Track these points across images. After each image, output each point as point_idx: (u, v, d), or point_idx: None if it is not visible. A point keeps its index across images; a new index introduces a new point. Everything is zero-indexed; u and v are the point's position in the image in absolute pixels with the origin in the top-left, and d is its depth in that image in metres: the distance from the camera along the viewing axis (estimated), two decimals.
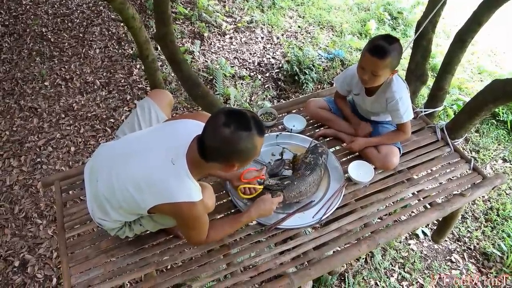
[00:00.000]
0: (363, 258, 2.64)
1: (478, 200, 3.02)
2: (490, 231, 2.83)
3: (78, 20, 4.58)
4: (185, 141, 1.37)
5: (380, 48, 1.74)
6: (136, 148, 1.43)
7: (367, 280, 2.54)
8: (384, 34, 1.82)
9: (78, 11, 4.72)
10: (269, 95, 3.79)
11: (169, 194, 1.32)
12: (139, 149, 1.42)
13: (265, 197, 1.67)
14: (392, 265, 2.63)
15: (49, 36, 4.32)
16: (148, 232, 1.71)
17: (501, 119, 3.62)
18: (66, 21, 4.55)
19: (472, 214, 2.95)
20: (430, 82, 3.04)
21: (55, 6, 4.79)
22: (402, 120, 1.93)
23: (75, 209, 1.83)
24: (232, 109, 1.33)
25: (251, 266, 1.66)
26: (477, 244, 2.76)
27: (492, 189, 2.08)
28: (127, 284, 2.29)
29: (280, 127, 2.25)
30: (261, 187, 1.77)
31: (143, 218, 1.54)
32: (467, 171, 2.10)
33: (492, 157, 3.31)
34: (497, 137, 3.51)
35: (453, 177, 2.10)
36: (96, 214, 1.51)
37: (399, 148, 2.02)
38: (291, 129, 2.18)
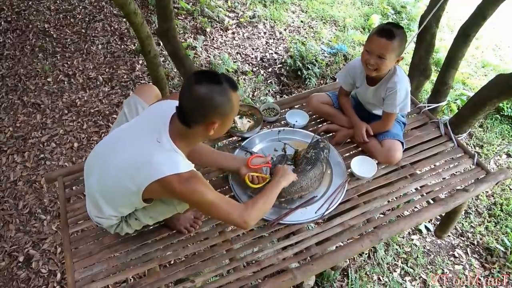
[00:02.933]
0: (366, 253, 2.65)
1: (481, 195, 3.01)
2: (494, 227, 2.82)
3: (80, 16, 4.58)
4: (164, 118, 1.40)
5: (388, 30, 1.77)
6: (122, 138, 1.46)
7: (370, 275, 2.55)
8: (389, 22, 1.85)
9: (80, 7, 4.71)
10: (272, 90, 3.78)
11: (155, 170, 1.31)
12: (125, 138, 1.45)
13: (280, 166, 1.70)
14: (395, 260, 2.63)
15: (51, 32, 4.32)
16: (150, 227, 1.72)
17: (505, 114, 3.60)
18: (68, 17, 4.55)
19: (476, 209, 2.94)
20: (434, 76, 3.03)
21: (58, 1, 4.78)
22: (395, 110, 1.93)
23: (78, 205, 1.84)
24: (202, 69, 1.36)
25: (254, 261, 1.67)
26: (480, 239, 2.76)
27: (496, 184, 2.07)
28: (130, 279, 2.30)
29: (282, 122, 2.25)
30: (268, 176, 1.77)
31: (137, 212, 1.54)
32: (470, 166, 2.09)
33: (496, 152, 3.30)
34: (501, 132, 3.49)
35: (456, 172, 2.09)
36: (92, 212, 1.53)
37: (402, 143, 2.01)
38: (294, 124, 2.18)
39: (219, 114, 1.34)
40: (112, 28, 4.42)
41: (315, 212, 1.78)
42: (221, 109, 1.33)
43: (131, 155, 1.37)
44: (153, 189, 1.34)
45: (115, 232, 1.60)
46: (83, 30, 4.36)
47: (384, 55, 1.80)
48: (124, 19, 4.41)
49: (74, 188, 1.98)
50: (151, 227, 1.73)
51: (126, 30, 4.36)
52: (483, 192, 2.99)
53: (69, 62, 3.96)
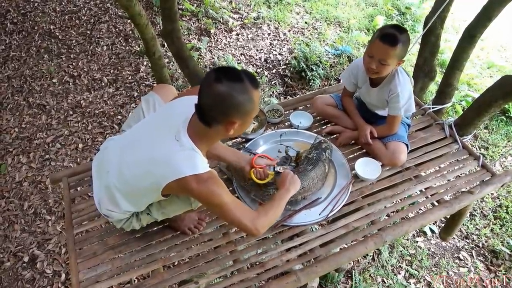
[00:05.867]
0: (370, 255, 2.64)
1: (486, 198, 2.99)
2: (499, 229, 2.80)
3: (85, 17, 4.60)
4: (184, 116, 1.37)
5: (392, 36, 1.74)
6: (141, 135, 1.46)
7: (374, 277, 2.54)
8: (393, 24, 1.82)
9: (86, 8, 4.74)
10: (276, 91, 3.78)
11: (174, 170, 1.30)
12: (144, 135, 1.44)
13: (287, 172, 1.69)
14: (400, 262, 2.62)
15: (57, 34, 4.35)
16: (155, 228, 1.72)
17: (511, 115, 3.57)
18: (73, 19, 4.58)
19: (481, 211, 2.92)
20: (439, 78, 3.01)
21: (63, 3, 4.81)
22: (399, 112, 1.93)
23: (83, 205, 1.85)
24: (221, 66, 1.32)
25: (257, 263, 1.67)
26: (486, 241, 2.74)
27: (501, 186, 2.06)
28: (134, 280, 2.31)
29: (286, 123, 2.25)
30: (273, 172, 1.78)
31: (152, 206, 1.55)
32: (475, 168, 2.08)
33: (501, 154, 3.27)
34: (506, 133, 3.47)
35: (461, 174, 2.08)
36: (104, 205, 1.52)
37: (406, 145, 2.01)
38: (298, 125, 2.17)
39: (240, 113, 1.30)
40: (117, 29, 4.44)
41: (319, 214, 1.77)
42: (242, 108, 1.29)
43: (151, 153, 1.36)
44: (171, 188, 1.34)
45: (121, 227, 1.60)
46: (88, 32, 4.39)
47: (386, 61, 1.79)
48: (129, 21, 4.43)
49: (79, 188, 1.99)
50: (155, 228, 1.73)
51: (130, 32, 4.38)
52: (488, 194, 2.97)
53: (74, 64, 3.98)
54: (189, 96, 1.50)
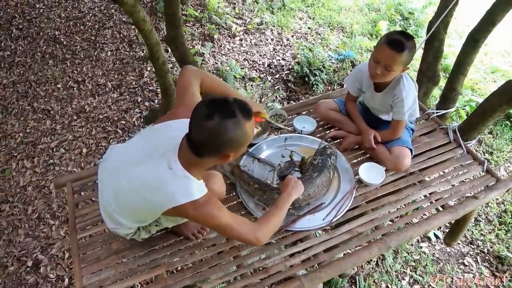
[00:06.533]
0: (374, 261, 2.62)
1: (491, 203, 2.97)
2: (504, 234, 2.78)
3: (90, 23, 4.64)
4: (174, 142, 1.33)
5: (399, 42, 1.75)
6: (135, 159, 1.40)
7: (378, 283, 2.52)
8: (400, 30, 1.83)
9: (90, 14, 4.77)
10: (279, 96, 3.79)
11: (170, 199, 1.30)
12: (138, 159, 1.39)
13: (291, 176, 1.72)
14: (404, 268, 2.60)
15: (61, 39, 4.38)
16: (158, 233, 1.72)
17: None
18: (78, 24, 4.61)
19: (486, 217, 2.90)
20: (442, 83, 3.01)
21: (68, 9, 4.85)
22: (403, 117, 1.93)
23: (87, 210, 1.85)
24: (213, 98, 1.27)
25: (261, 268, 1.66)
26: (491, 247, 2.72)
27: (506, 191, 2.05)
28: (137, 285, 2.31)
29: (290, 128, 2.25)
30: (265, 113, 1.80)
31: (160, 218, 1.54)
32: (480, 173, 2.07)
33: (506, 159, 3.26)
34: (511, 138, 3.45)
35: (466, 179, 2.07)
36: (109, 224, 1.53)
37: (410, 150, 2.00)
38: (301, 130, 2.17)
39: (233, 147, 1.28)
40: (121, 35, 4.47)
41: (323, 219, 1.77)
42: (236, 142, 1.26)
43: (144, 178, 1.34)
44: (170, 213, 1.35)
45: (131, 238, 1.60)
46: (93, 37, 4.42)
47: (391, 67, 1.79)
48: (133, 26, 4.46)
49: (82, 193, 1.99)
50: (158, 234, 1.73)
51: (134, 37, 4.41)
52: (493, 200, 2.95)
53: (78, 69, 4.01)
54: (176, 120, 1.45)
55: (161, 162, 1.31)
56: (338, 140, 2.17)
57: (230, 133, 1.22)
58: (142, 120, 3.47)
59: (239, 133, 1.24)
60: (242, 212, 1.82)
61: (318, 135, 2.19)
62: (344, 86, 2.23)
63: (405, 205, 1.93)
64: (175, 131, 1.36)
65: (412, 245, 2.73)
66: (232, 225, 1.38)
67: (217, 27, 4.54)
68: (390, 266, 2.59)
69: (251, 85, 3.89)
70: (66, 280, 2.45)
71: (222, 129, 1.21)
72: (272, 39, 4.53)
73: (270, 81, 3.95)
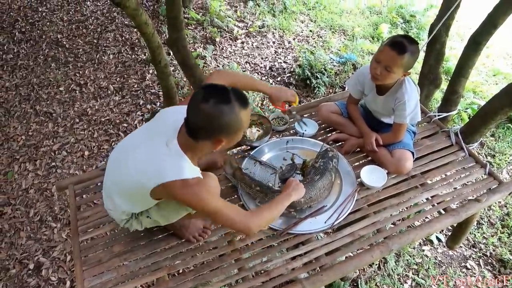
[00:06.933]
0: (376, 264, 2.61)
1: (494, 206, 2.96)
2: (507, 237, 2.77)
3: (92, 27, 4.66)
4: (176, 124, 1.40)
5: (401, 44, 1.75)
6: (138, 138, 1.49)
7: (380, 286, 2.51)
8: (405, 34, 1.84)
9: (93, 18, 4.80)
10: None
11: (160, 174, 1.32)
12: (141, 139, 1.47)
13: (293, 179, 1.73)
14: (406, 271, 2.59)
15: (64, 42, 4.40)
16: (160, 236, 1.72)
17: None
18: (80, 28, 4.64)
19: (488, 220, 2.89)
20: (444, 85, 3.01)
21: (70, 12, 4.88)
22: (405, 121, 1.93)
23: (88, 213, 1.85)
24: (211, 84, 1.34)
25: (262, 271, 1.66)
26: (493, 250, 2.71)
27: (509, 194, 2.05)
28: None
29: (291, 131, 2.25)
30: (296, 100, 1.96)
31: (151, 209, 1.56)
32: (482, 176, 2.06)
33: (508, 162, 3.25)
34: None
35: (468, 182, 2.06)
36: (106, 204, 1.59)
37: (412, 153, 2.00)
38: (303, 133, 2.17)
39: (226, 133, 1.32)
40: (123, 38, 4.49)
41: (325, 222, 1.76)
42: (229, 128, 1.31)
43: (143, 155, 1.39)
44: (159, 192, 1.36)
45: (124, 226, 1.62)
46: (95, 40, 4.44)
47: (391, 68, 1.79)
48: (135, 29, 4.48)
49: (84, 196, 1.99)
50: (160, 236, 1.73)
51: (137, 40, 4.43)
52: (495, 203, 2.94)
53: (81, 72, 4.03)
54: (179, 106, 1.53)
55: (160, 140, 1.38)
56: (340, 143, 2.17)
57: (224, 118, 1.27)
58: (144, 122, 3.48)
59: (233, 119, 1.29)
60: None
61: (320, 138, 2.19)
62: (346, 88, 2.22)
63: (407, 208, 1.92)
64: (179, 114, 1.40)
65: (414, 248, 2.73)
66: (222, 210, 1.39)
67: (218, 30, 4.56)
68: (392, 269, 2.58)
69: None
70: (68, 283, 2.45)
71: (217, 113, 1.26)
72: (273, 42, 4.54)
73: (271, 83, 3.96)
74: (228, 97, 1.28)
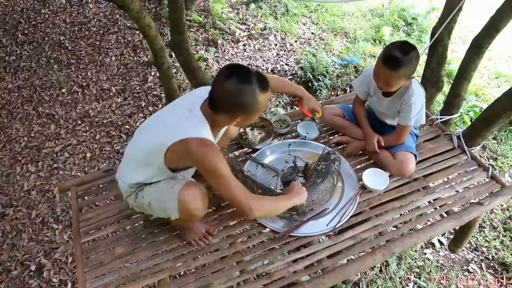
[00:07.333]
0: (377, 267, 2.60)
1: (496, 209, 2.95)
2: (509, 241, 2.76)
3: (95, 29, 4.67)
4: (201, 97, 1.51)
5: (394, 60, 1.71)
6: (165, 111, 1.62)
7: None
8: (400, 42, 1.78)
9: (95, 20, 4.81)
10: (283, 101, 3.79)
11: (180, 132, 1.41)
12: (168, 110, 1.61)
13: (296, 183, 1.75)
14: (408, 274, 2.59)
15: (66, 44, 4.42)
16: (161, 238, 1.72)
17: None
18: (83, 30, 4.65)
19: (490, 223, 2.88)
20: (446, 88, 3.00)
21: (73, 15, 4.89)
22: (409, 123, 1.92)
23: (90, 215, 1.85)
24: (238, 64, 1.45)
25: (264, 274, 1.66)
26: (496, 254, 2.70)
27: (511, 198, 2.03)
28: None
29: (293, 134, 2.25)
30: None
31: (145, 189, 1.60)
32: (484, 179, 2.06)
33: (511, 165, 3.24)
34: None
35: (470, 185, 2.06)
36: (118, 170, 1.68)
37: (415, 155, 2.00)
38: (305, 136, 2.17)
39: (242, 111, 1.43)
40: (125, 40, 4.50)
41: (327, 225, 1.76)
42: (246, 107, 1.42)
43: (167, 120, 1.52)
44: (176, 149, 1.42)
45: (126, 199, 1.68)
46: (98, 42, 4.45)
47: (390, 82, 1.80)
48: (138, 32, 4.49)
49: (86, 198, 2.00)
50: (162, 238, 1.73)
51: (139, 42, 4.44)
52: (498, 206, 2.93)
53: (83, 74, 4.04)
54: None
55: (185, 108, 1.50)
56: (342, 146, 2.17)
57: (243, 97, 1.38)
58: None
59: (251, 100, 1.40)
60: (245, 217, 1.82)
61: (322, 140, 2.19)
62: (348, 91, 2.23)
63: (409, 211, 1.92)
64: (204, 92, 1.52)
65: (416, 251, 2.72)
66: (229, 179, 1.44)
67: (220, 32, 4.56)
68: (394, 273, 2.57)
69: None
70: (69, 285, 2.45)
71: (236, 91, 1.37)
72: (275, 44, 4.54)
73: None
74: (249, 78, 1.38)
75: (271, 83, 1.81)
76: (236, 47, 4.45)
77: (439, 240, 2.77)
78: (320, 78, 3.86)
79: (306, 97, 2.02)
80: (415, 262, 2.65)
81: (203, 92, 1.53)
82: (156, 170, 1.54)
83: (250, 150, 2.14)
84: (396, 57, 1.71)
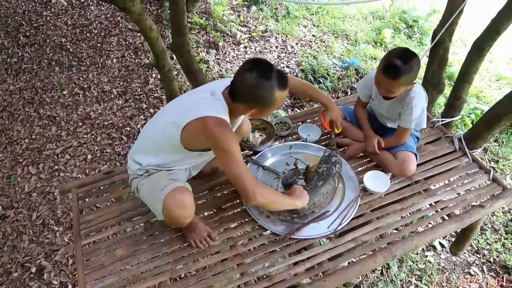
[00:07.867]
0: (378, 270, 2.60)
1: (497, 212, 2.94)
2: (511, 244, 2.75)
3: (96, 31, 4.68)
4: (223, 84, 1.60)
5: (394, 69, 1.71)
6: (188, 94, 1.69)
7: None
8: (401, 50, 1.76)
9: (97, 22, 4.82)
10: (283, 104, 3.79)
11: (199, 110, 1.48)
12: (189, 94, 1.68)
13: (297, 186, 1.76)
14: (409, 277, 2.58)
15: (68, 46, 4.42)
16: (162, 240, 1.72)
17: None
18: (84, 32, 4.66)
19: (492, 225, 2.88)
20: (447, 91, 3.01)
21: (75, 17, 4.91)
22: (410, 126, 1.92)
23: (91, 217, 1.85)
24: (261, 59, 1.52)
25: (265, 276, 1.65)
26: (497, 256, 2.69)
27: None
28: None
29: (294, 136, 2.25)
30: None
31: (146, 179, 1.64)
32: (486, 182, 2.06)
33: None
34: None
35: (471, 188, 2.05)
36: (131, 152, 1.71)
37: (416, 155, 1.99)
38: (306, 138, 2.17)
39: (259, 104, 1.51)
40: (127, 42, 4.51)
41: (327, 227, 1.76)
42: (262, 101, 1.49)
43: (189, 100, 1.60)
44: (194, 126, 1.48)
45: (130, 181, 1.73)
46: (99, 45, 4.46)
47: (391, 90, 1.80)
48: (139, 34, 4.50)
49: (87, 200, 2.00)
50: (162, 240, 1.73)
51: (140, 44, 4.44)
52: (499, 208, 2.93)
53: (84, 76, 4.04)
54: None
55: (207, 92, 1.58)
56: (343, 148, 2.17)
57: (260, 91, 1.45)
58: None
59: (267, 95, 1.47)
60: (246, 219, 1.82)
61: (323, 143, 2.19)
62: (349, 93, 2.22)
63: (410, 213, 1.91)
64: (228, 82, 1.58)
65: (417, 254, 2.71)
66: (239, 161, 1.49)
67: (222, 34, 4.57)
68: (395, 275, 2.57)
69: None
70: (70, 287, 2.45)
71: (255, 84, 1.44)
72: (276, 47, 4.55)
73: None
74: (270, 74, 1.45)
75: (297, 86, 1.92)
76: (237, 49, 4.46)
77: (440, 243, 2.76)
78: (321, 80, 3.87)
79: (332, 109, 2.06)
80: (416, 264, 2.64)
81: (226, 80, 1.61)
82: (170, 148, 1.59)
83: (251, 152, 2.14)
84: (396, 66, 1.70)
